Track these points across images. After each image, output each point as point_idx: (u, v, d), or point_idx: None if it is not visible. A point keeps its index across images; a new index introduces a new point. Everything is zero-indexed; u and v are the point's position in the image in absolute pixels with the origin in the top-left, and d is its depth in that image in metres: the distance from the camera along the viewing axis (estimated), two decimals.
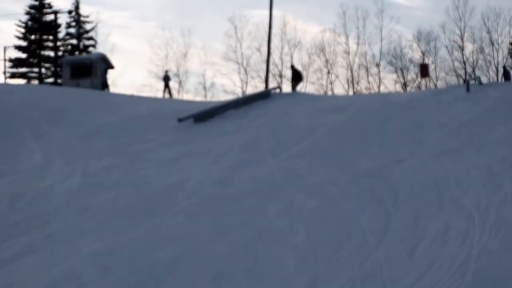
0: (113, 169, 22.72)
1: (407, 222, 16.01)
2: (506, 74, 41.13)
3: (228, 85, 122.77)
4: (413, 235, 15.04)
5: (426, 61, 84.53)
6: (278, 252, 14.47)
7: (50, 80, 77.29)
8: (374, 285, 12.55)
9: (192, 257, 14.39)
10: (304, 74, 46.87)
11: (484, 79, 40.75)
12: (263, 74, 65.63)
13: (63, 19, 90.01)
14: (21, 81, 76.10)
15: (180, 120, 30.67)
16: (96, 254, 14.77)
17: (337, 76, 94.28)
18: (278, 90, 41.64)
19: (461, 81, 53.07)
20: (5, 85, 40.12)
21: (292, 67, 49.54)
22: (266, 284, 13.00)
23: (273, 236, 15.50)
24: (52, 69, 79.10)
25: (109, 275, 13.64)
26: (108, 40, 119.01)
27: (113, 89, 65.25)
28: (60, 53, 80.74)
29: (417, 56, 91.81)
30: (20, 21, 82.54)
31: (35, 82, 76.34)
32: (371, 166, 20.77)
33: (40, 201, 19.04)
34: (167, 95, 50.78)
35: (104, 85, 51.30)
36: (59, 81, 64.39)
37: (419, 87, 77.46)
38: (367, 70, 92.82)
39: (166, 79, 51.49)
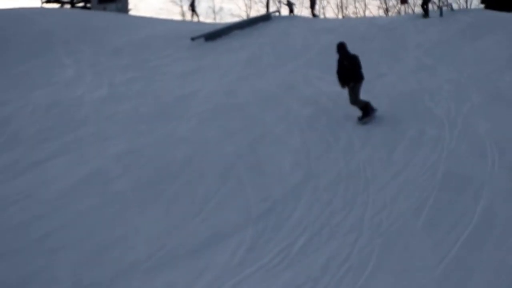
0: (135, 81, 22.64)
1: (387, 128, 15.99)
2: None
3: (234, 9, 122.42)
4: (392, 139, 15.04)
5: None
6: (276, 153, 14.51)
7: (81, 4, 76.43)
8: (358, 181, 12.60)
9: (202, 156, 14.44)
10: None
11: (455, 6, 40.21)
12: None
13: None
14: (55, 6, 75.23)
15: (193, 39, 30.52)
16: (120, 154, 14.81)
17: (328, 2, 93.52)
18: (277, 14, 41.07)
19: (435, 8, 52.88)
20: (41, 8, 39.76)
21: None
22: (266, 179, 13.06)
23: (272, 139, 15.51)
24: None
25: (132, 171, 13.71)
26: None
27: (134, 12, 64.74)
28: None
29: None
30: None
31: (67, 6, 75.47)
32: None
33: (72, 109, 19.01)
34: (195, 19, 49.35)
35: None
36: (88, 5, 63.69)
37: (399, 12, 76.74)
38: None
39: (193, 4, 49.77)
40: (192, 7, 47.61)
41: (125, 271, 9.73)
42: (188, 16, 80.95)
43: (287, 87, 20.55)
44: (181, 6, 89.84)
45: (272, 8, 56.30)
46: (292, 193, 12.32)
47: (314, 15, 43.93)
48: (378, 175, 12.93)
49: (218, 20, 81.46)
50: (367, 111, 16.89)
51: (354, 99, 16.99)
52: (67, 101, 19.97)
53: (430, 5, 32.87)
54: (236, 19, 68.39)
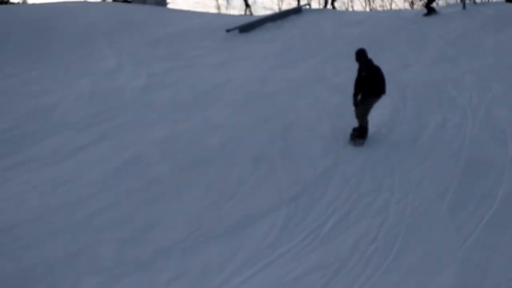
0: (172, 71, 22.68)
1: (412, 115, 15.95)
2: None
3: (266, 2, 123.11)
4: (417, 126, 15.00)
5: None
6: (307, 139, 14.51)
7: None
8: (384, 166, 12.60)
9: (237, 142, 14.46)
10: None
11: None
12: None
13: None
14: None
15: (227, 31, 30.53)
16: (159, 140, 14.87)
17: None
18: (308, 6, 40.95)
19: (459, 1, 52.18)
20: (85, 2, 39.97)
21: None
22: (297, 164, 13.07)
23: (303, 126, 15.50)
24: None
25: (170, 156, 13.76)
26: None
27: (172, 5, 64.85)
28: None
29: None
30: None
31: (109, 0, 75.76)
32: (384, 69, 20.55)
33: (113, 97, 19.09)
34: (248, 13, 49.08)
35: None
36: None
37: (424, 5, 76.37)
38: None
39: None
40: (246, 1, 47.38)
41: (164, 249, 9.80)
42: (223, 9, 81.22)
43: (317, 76, 20.52)
44: (217, 0, 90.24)
45: (302, 1, 55.89)
46: (322, 177, 12.33)
47: (333, 7, 43.79)
48: (404, 161, 12.91)
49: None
50: (363, 133, 14.27)
51: (360, 113, 14.28)
52: (109, 89, 20.07)
53: None
54: (268, 12, 68.53)
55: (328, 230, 10.18)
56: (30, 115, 17.32)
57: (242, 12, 48.90)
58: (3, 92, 19.83)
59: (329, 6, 43.79)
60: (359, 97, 14.36)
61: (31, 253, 9.71)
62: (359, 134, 14.22)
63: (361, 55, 14.32)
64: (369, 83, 14.09)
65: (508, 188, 11.22)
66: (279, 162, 13.18)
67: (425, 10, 31.99)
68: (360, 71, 14.36)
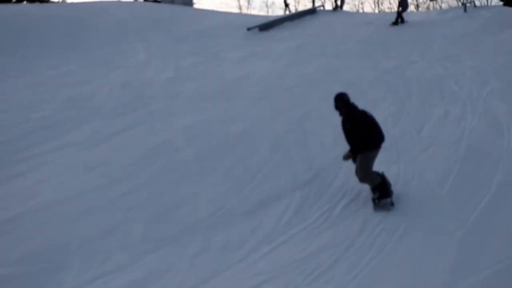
0: (197, 65, 22.70)
1: (416, 108, 15.89)
2: None
3: None
4: (421, 118, 14.95)
5: None
6: (320, 128, 14.49)
7: None
8: (391, 154, 12.53)
9: (256, 131, 14.47)
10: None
11: (477, 2, 39.86)
12: None
13: None
14: None
15: (248, 29, 30.55)
16: (185, 128, 14.90)
17: None
18: (322, 8, 40.76)
19: (460, 4, 51.49)
20: (117, 2, 40.02)
21: None
22: (310, 151, 13.09)
23: (317, 116, 15.48)
24: None
25: (195, 142, 13.79)
26: None
27: (198, 5, 64.81)
28: None
29: None
30: None
31: None
32: (391, 65, 20.55)
33: (143, 88, 19.14)
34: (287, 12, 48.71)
35: None
36: None
37: (428, 8, 75.95)
38: None
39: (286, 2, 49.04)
40: (285, 2, 47.11)
41: (188, 228, 9.84)
42: (244, 9, 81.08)
43: (330, 71, 20.48)
44: (238, 1, 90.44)
45: (317, 3, 55.69)
46: (333, 163, 12.31)
47: (339, 7, 43.34)
48: (408, 149, 12.87)
49: (270, 13, 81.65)
50: (384, 191, 10.28)
51: (364, 174, 10.28)
52: (139, 81, 20.11)
53: (455, 2, 32.35)
54: (286, 13, 68.32)
55: (339, 212, 10.18)
56: (68, 104, 17.41)
57: (262, 13, 48.65)
58: (44, 83, 19.94)
59: (329, 7, 43.49)
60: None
61: (66, 230, 9.78)
62: (381, 195, 10.27)
63: (340, 102, 10.66)
64: (360, 137, 10.33)
65: (503, 175, 11.17)
66: (294, 149, 13.18)
67: (429, 14, 31.68)
68: (343, 123, 10.64)
